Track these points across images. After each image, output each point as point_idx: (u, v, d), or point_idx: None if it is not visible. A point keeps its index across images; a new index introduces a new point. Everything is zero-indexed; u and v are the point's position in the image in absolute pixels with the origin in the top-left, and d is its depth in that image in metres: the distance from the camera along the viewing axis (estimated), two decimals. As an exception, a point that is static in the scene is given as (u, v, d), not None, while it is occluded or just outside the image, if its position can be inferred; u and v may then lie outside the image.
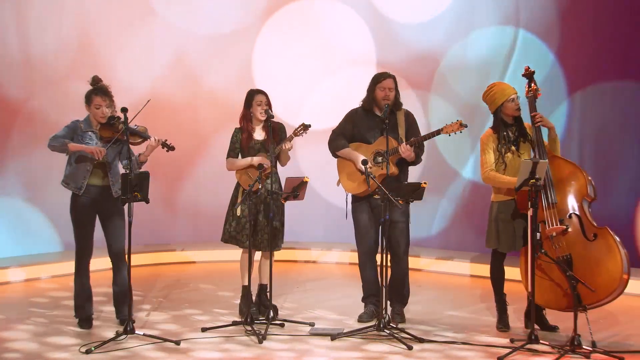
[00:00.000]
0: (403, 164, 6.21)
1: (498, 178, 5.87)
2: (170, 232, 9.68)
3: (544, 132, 5.92)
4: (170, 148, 5.97)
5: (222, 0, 9.63)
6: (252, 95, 6.39)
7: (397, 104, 6.24)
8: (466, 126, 5.89)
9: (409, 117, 6.29)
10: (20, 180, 8.68)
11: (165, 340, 5.60)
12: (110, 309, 6.34)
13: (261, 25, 9.81)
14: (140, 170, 5.86)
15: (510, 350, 5.39)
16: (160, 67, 9.46)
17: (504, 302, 6.11)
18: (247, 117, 6.38)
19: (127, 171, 5.63)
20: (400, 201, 5.73)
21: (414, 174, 6.32)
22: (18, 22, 8.64)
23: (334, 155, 6.38)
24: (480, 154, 5.99)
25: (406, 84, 8.65)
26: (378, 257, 6.11)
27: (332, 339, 5.74)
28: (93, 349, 5.34)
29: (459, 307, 6.95)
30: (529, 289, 5.57)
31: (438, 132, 5.99)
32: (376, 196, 5.93)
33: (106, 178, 5.90)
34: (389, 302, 5.99)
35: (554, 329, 5.99)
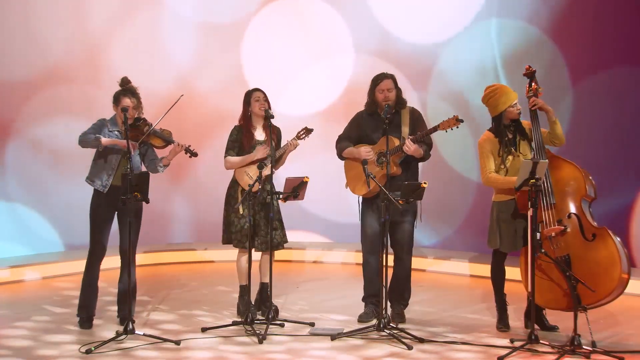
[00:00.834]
0: (410, 162, 6.20)
1: (498, 180, 5.87)
2: (170, 232, 9.70)
3: (542, 121, 5.90)
4: (193, 154, 6.03)
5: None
6: (250, 92, 6.40)
7: (399, 102, 6.24)
8: (462, 121, 5.87)
9: (414, 113, 6.29)
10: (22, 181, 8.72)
11: (165, 340, 5.60)
12: (110, 309, 6.35)
13: (253, 22, 9.88)
14: (141, 171, 5.88)
15: (510, 350, 5.39)
16: (151, 65, 9.47)
17: (504, 302, 6.11)
18: (246, 115, 6.38)
19: (127, 171, 5.63)
20: (400, 201, 5.73)
21: (421, 176, 6.33)
22: (22, 21, 8.65)
23: (340, 157, 6.39)
24: (479, 158, 5.99)
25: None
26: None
27: (332, 339, 5.74)
28: (93, 349, 5.34)
29: (459, 307, 6.95)
30: (529, 289, 5.57)
31: (435, 129, 5.98)
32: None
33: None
34: (389, 302, 5.99)
35: (553, 329, 5.99)
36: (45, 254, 8.67)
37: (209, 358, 5.34)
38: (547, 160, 5.68)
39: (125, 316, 5.72)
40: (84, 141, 5.86)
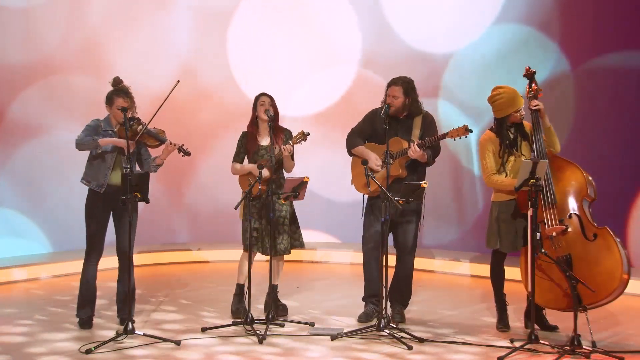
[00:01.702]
0: (417, 166, 6.21)
1: (500, 181, 5.88)
2: (170, 232, 9.70)
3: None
4: (186, 153, 6.02)
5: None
6: (257, 97, 6.45)
7: (412, 109, 6.21)
8: (472, 131, 5.88)
9: (427, 119, 6.28)
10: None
11: (165, 340, 5.60)
12: (110, 309, 6.35)
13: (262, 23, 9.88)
14: (141, 171, 5.88)
15: (510, 350, 5.39)
16: (157, 64, 9.48)
17: (504, 302, 6.11)
18: (254, 122, 6.42)
19: (127, 171, 5.64)
20: (400, 201, 5.73)
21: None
22: (21, 21, 8.66)
23: (349, 153, 6.39)
24: (480, 158, 5.99)
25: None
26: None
27: (332, 339, 5.74)
28: (93, 349, 5.35)
29: (459, 307, 6.95)
30: (529, 289, 5.57)
31: (443, 136, 5.98)
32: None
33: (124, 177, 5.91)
34: (389, 302, 5.99)
35: (553, 329, 5.99)
36: (45, 254, 8.68)
37: (208, 358, 5.34)
38: (547, 160, 5.68)
39: (125, 316, 5.73)
40: (81, 144, 5.83)
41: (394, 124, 6.14)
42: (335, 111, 9.64)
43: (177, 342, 5.57)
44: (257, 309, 6.49)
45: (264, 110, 6.31)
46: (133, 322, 5.64)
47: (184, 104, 9.53)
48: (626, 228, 8.13)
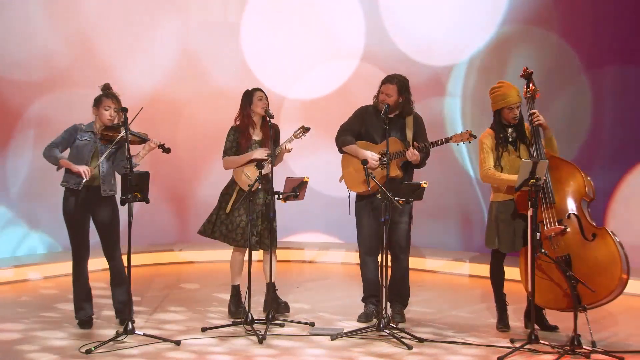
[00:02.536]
0: (408, 167, 6.21)
1: (497, 176, 5.87)
2: (170, 231, 9.69)
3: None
4: (166, 150, 5.98)
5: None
6: (252, 92, 6.38)
7: (404, 109, 6.21)
8: (475, 137, 5.89)
9: (417, 120, 6.28)
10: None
11: (165, 340, 5.60)
12: (110, 309, 6.34)
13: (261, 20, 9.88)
14: (141, 170, 5.87)
15: (510, 350, 5.39)
16: (160, 65, 9.47)
17: (504, 302, 6.11)
18: (247, 116, 6.37)
19: (128, 171, 5.63)
20: (400, 201, 5.73)
21: (421, 176, 6.32)
22: (22, 22, 8.66)
23: (340, 150, 6.38)
24: (479, 153, 6.00)
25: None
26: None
27: (332, 339, 5.74)
28: (93, 349, 5.35)
29: (459, 307, 6.95)
30: (529, 289, 5.57)
31: (447, 140, 5.98)
32: (378, 196, 5.90)
33: (98, 179, 5.90)
34: (389, 302, 6.00)
35: (553, 329, 5.99)
36: (45, 254, 8.68)
37: (209, 358, 5.34)
38: (547, 160, 5.68)
39: (125, 318, 5.72)
40: (46, 156, 5.86)
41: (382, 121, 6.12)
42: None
43: (177, 342, 5.57)
44: (257, 310, 6.48)
45: (263, 107, 6.28)
46: (133, 322, 5.64)
47: (185, 101, 9.55)
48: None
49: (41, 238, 8.79)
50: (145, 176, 5.61)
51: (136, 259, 8.24)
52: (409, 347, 5.51)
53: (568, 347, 5.34)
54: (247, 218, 6.14)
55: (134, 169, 5.77)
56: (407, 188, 5.80)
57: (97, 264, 6.60)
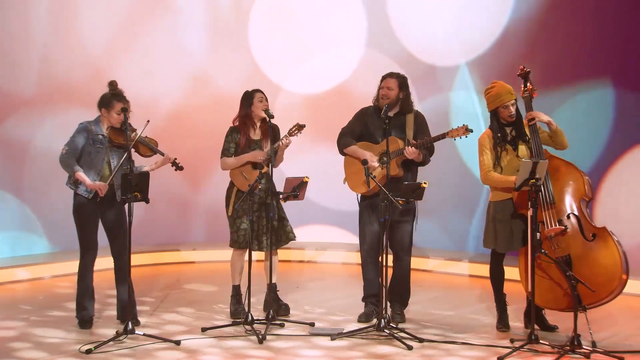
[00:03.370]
0: (411, 165, 6.21)
1: (497, 178, 5.87)
2: (170, 231, 9.69)
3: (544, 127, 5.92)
4: (179, 168, 6.04)
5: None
6: (252, 93, 6.39)
7: (404, 106, 6.22)
8: (472, 131, 5.88)
9: (419, 118, 6.28)
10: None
11: (165, 340, 5.60)
12: (110, 309, 6.35)
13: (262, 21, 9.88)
14: (141, 171, 5.88)
15: (510, 350, 5.39)
16: (162, 67, 9.47)
17: (503, 302, 6.11)
18: (248, 116, 6.37)
19: (127, 171, 5.63)
20: (400, 201, 5.73)
21: (421, 176, 6.33)
22: (24, 26, 8.65)
23: (342, 153, 6.38)
24: (479, 155, 5.99)
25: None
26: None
27: (332, 339, 5.74)
28: (93, 349, 5.35)
29: (459, 307, 6.95)
30: (529, 289, 5.57)
31: (443, 136, 5.97)
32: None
33: (112, 186, 5.90)
34: (389, 302, 6.00)
35: (553, 329, 5.99)
36: (45, 254, 8.68)
37: (209, 358, 5.34)
38: (547, 160, 5.68)
39: (125, 318, 5.72)
40: (63, 162, 5.84)
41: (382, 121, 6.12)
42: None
43: (177, 342, 5.57)
44: (257, 308, 6.48)
45: (263, 108, 6.28)
46: (133, 322, 5.64)
47: (185, 103, 9.54)
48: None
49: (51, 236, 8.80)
50: (145, 176, 5.62)
51: (139, 259, 8.29)
52: (409, 347, 5.51)
53: (568, 347, 5.34)
54: (247, 219, 6.14)
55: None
56: (407, 188, 5.80)
57: (98, 263, 6.56)
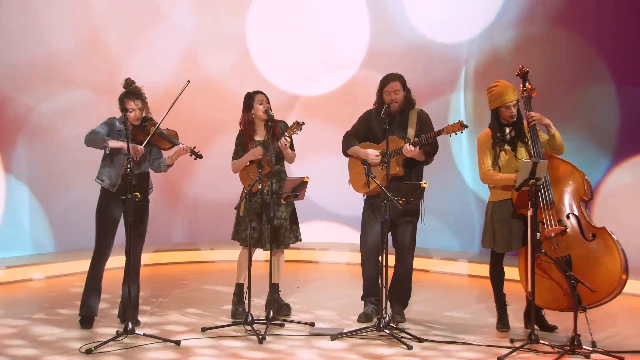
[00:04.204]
0: (415, 164, 6.21)
1: (495, 176, 5.87)
2: (170, 231, 9.70)
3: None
4: (198, 156, 6.04)
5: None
6: (252, 95, 6.41)
7: (407, 103, 6.23)
8: (467, 126, 5.88)
9: (422, 116, 6.28)
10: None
11: (165, 340, 5.60)
12: (111, 308, 6.35)
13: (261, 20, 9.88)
14: (141, 171, 5.88)
15: (510, 350, 5.39)
16: (162, 62, 9.47)
17: (503, 302, 6.11)
18: (249, 119, 6.39)
19: (127, 171, 5.63)
20: (400, 201, 5.73)
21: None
22: (26, 22, 8.65)
23: (345, 154, 6.39)
24: (478, 154, 6.00)
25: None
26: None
27: (332, 339, 5.74)
28: (93, 349, 5.35)
29: (459, 307, 6.95)
30: (529, 289, 5.57)
31: (439, 133, 5.98)
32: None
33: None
34: (389, 302, 6.00)
35: (553, 329, 5.99)
36: (44, 254, 8.67)
37: (209, 358, 5.34)
38: (547, 160, 5.68)
39: (127, 317, 5.71)
40: (91, 140, 5.83)
41: (389, 122, 6.12)
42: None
43: (177, 342, 5.57)
44: (258, 308, 6.48)
45: (263, 109, 6.29)
46: (134, 322, 5.63)
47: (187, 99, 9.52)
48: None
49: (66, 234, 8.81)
50: (145, 176, 5.63)
51: (148, 258, 8.28)
52: (409, 347, 5.51)
53: (568, 347, 5.34)
54: (253, 221, 6.18)
55: (167, 171, 5.92)
56: (407, 188, 5.80)
57: (112, 262, 6.55)
